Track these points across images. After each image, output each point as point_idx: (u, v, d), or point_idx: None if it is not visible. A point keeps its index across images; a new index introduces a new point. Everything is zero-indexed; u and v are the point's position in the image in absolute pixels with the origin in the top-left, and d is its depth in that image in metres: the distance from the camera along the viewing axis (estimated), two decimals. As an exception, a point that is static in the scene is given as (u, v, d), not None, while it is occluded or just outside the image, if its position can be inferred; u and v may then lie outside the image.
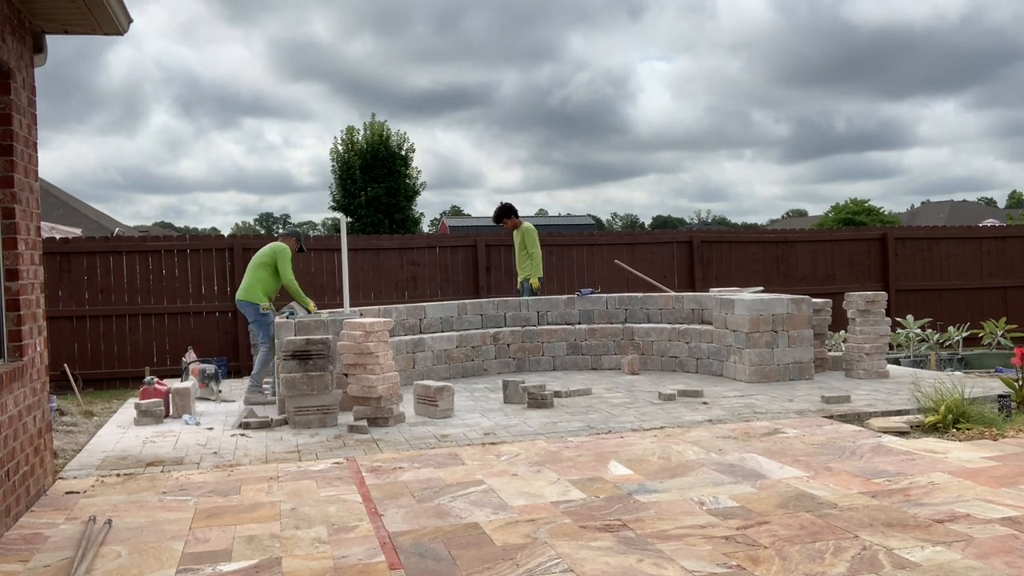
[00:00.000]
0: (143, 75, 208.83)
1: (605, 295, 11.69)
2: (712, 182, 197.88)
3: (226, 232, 79.27)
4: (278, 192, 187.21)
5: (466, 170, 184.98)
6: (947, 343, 12.56)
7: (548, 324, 11.44)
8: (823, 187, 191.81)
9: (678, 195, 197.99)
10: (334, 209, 31.16)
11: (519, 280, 11.70)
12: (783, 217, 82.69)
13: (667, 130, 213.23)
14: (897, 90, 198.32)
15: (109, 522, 4.84)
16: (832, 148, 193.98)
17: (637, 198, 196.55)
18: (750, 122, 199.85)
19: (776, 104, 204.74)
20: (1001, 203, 79.16)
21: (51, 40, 6.03)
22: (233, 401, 9.40)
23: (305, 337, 7.83)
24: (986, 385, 8.55)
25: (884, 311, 9.94)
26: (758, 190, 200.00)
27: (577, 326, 11.35)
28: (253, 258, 9.59)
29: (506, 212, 11.57)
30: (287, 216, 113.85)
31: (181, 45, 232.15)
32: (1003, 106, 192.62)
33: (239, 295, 9.51)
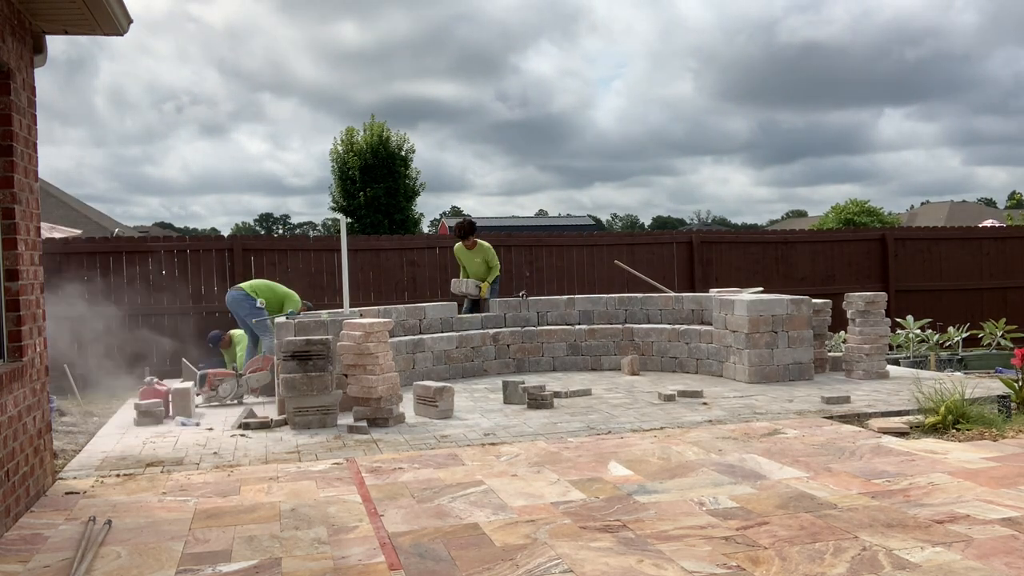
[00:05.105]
0: (142, 80, 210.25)
1: (605, 296, 11.69)
2: (692, 184, 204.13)
3: (226, 233, 79.31)
4: (278, 193, 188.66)
5: (449, 175, 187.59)
6: (947, 344, 12.56)
7: (548, 324, 11.44)
8: (802, 189, 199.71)
9: (663, 197, 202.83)
10: (334, 210, 31.09)
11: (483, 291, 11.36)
12: (783, 218, 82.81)
13: (639, 138, 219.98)
14: (846, 101, 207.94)
15: (109, 522, 4.84)
16: (801, 153, 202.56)
17: (621, 199, 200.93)
18: (717, 131, 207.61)
19: (732, 115, 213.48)
20: (1000, 204, 79.27)
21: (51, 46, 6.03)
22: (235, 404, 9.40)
23: (305, 337, 7.82)
24: (986, 386, 8.54)
25: (884, 312, 9.94)
26: (739, 192, 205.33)
27: (577, 326, 11.35)
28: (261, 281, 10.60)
29: (471, 229, 11.53)
30: (287, 216, 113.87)
31: (184, 54, 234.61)
32: (954, 116, 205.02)
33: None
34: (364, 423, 7.54)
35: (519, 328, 11.26)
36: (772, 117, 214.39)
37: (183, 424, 8.04)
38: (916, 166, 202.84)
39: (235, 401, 9.25)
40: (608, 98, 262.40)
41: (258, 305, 10.03)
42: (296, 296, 10.44)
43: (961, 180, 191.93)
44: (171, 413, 8.44)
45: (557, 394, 8.77)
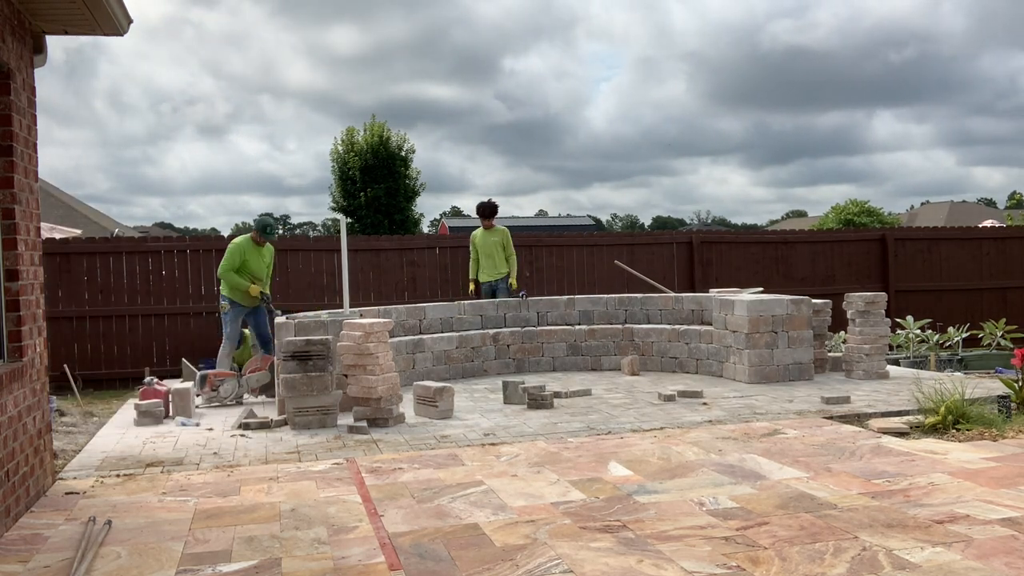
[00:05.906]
0: (142, 82, 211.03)
1: (605, 296, 11.69)
2: (690, 185, 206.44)
3: (226, 233, 79.25)
4: (278, 194, 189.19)
5: (448, 175, 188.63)
6: (947, 344, 12.55)
7: (548, 325, 11.43)
8: (800, 190, 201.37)
9: (662, 198, 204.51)
10: (334, 210, 31.05)
11: (491, 279, 11.71)
12: (783, 218, 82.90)
13: (630, 140, 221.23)
14: (837, 103, 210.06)
15: (109, 523, 4.84)
16: (796, 154, 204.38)
17: (620, 200, 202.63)
18: (713, 132, 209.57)
19: (726, 117, 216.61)
20: (1000, 204, 79.38)
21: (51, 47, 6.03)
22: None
23: (305, 338, 7.82)
24: (986, 386, 8.54)
25: (884, 312, 9.94)
26: (737, 192, 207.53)
27: (577, 327, 11.35)
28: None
29: (494, 210, 11.84)
30: (287, 216, 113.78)
31: (182, 57, 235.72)
32: (946, 117, 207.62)
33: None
34: (364, 423, 7.54)
35: (519, 328, 11.26)
36: (765, 119, 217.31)
37: (183, 424, 8.04)
38: (912, 167, 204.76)
39: (235, 401, 9.26)
40: (603, 100, 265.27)
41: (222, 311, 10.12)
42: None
43: (957, 180, 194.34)
44: (171, 413, 8.44)
45: (557, 394, 8.77)
